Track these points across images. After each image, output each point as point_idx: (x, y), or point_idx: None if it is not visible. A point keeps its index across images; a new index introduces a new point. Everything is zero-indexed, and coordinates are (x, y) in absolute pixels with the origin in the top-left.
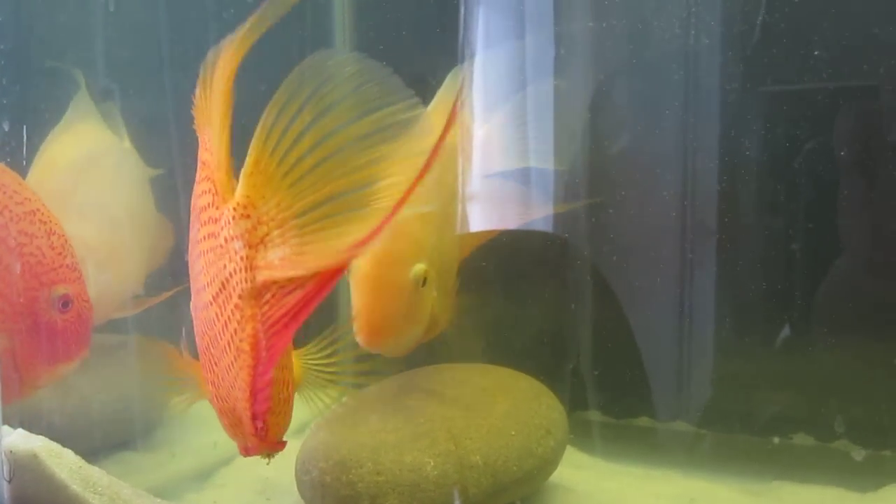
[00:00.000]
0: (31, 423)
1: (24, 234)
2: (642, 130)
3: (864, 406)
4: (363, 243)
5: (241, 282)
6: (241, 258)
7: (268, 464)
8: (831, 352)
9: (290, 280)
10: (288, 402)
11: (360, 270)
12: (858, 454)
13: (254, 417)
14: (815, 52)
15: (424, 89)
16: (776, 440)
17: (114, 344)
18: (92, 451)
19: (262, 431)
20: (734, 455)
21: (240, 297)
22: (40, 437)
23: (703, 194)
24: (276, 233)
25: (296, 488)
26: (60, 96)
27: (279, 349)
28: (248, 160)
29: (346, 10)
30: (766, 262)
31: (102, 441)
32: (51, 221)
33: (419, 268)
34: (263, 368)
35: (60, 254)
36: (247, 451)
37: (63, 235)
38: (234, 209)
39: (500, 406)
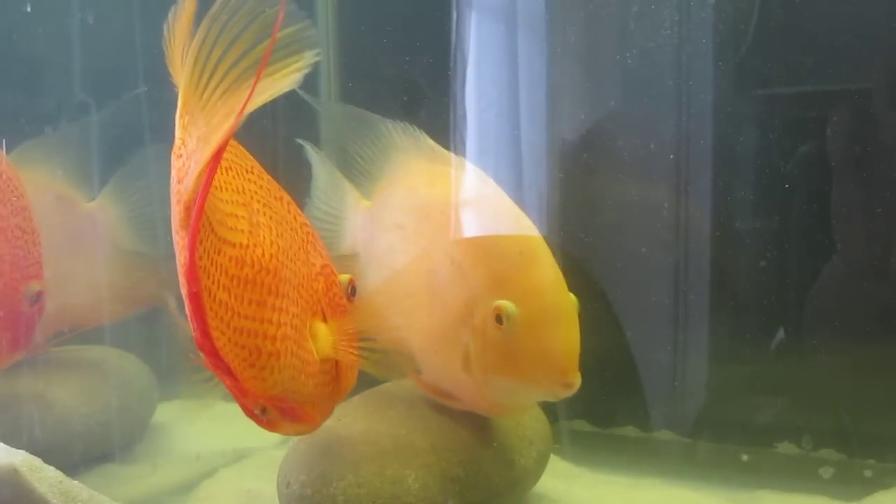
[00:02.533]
0: (12, 437)
1: (18, 229)
2: (633, 134)
3: (848, 414)
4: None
5: (176, 216)
6: (175, 193)
7: (262, 421)
8: (821, 358)
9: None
10: (276, 357)
11: (535, 301)
12: (826, 472)
13: (199, 348)
14: (808, 56)
15: (414, 91)
16: (743, 453)
17: (95, 357)
18: (73, 464)
19: (223, 371)
20: (720, 464)
21: (176, 232)
22: (21, 451)
23: (694, 198)
24: (191, 161)
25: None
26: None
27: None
28: (179, 105)
29: (329, 8)
30: (756, 269)
31: (84, 454)
32: (32, 219)
33: (576, 300)
34: (190, 289)
35: (38, 250)
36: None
37: (38, 233)
38: (173, 153)
39: (482, 417)
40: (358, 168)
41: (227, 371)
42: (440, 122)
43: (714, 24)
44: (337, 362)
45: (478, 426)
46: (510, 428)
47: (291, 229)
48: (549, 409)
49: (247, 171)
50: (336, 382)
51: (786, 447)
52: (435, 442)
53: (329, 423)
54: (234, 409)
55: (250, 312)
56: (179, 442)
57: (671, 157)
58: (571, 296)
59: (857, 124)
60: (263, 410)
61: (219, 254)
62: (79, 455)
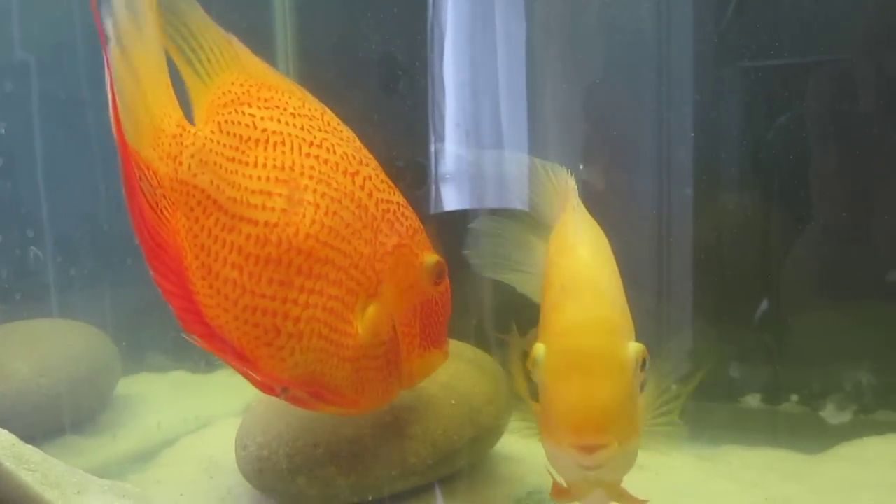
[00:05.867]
0: None
1: None
2: (615, 105)
3: (809, 368)
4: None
5: None
6: None
7: (282, 398)
8: (791, 316)
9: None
10: (297, 339)
11: (558, 342)
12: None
13: (182, 324)
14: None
15: (393, 66)
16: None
17: (55, 329)
18: (32, 435)
19: (219, 347)
20: (686, 420)
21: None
22: None
23: (677, 166)
24: None
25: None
26: None
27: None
28: None
29: None
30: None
31: (43, 425)
32: None
33: (639, 347)
34: (154, 266)
35: None
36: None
37: None
38: None
39: (440, 376)
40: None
41: (228, 346)
42: (418, 97)
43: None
44: (396, 345)
45: (436, 385)
46: (469, 387)
47: (358, 207)
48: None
49: (311, 144)
50: (392, 366)
51: (750, 401)
52: (392, 401)
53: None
54: (198, 379)
55: (269, 292)
56: (143, 413)
57: (651, 129)
58: (632, 344)
59: (835, 94)
60: (284, 390)
61: (230, 231)
62: (38, 426)
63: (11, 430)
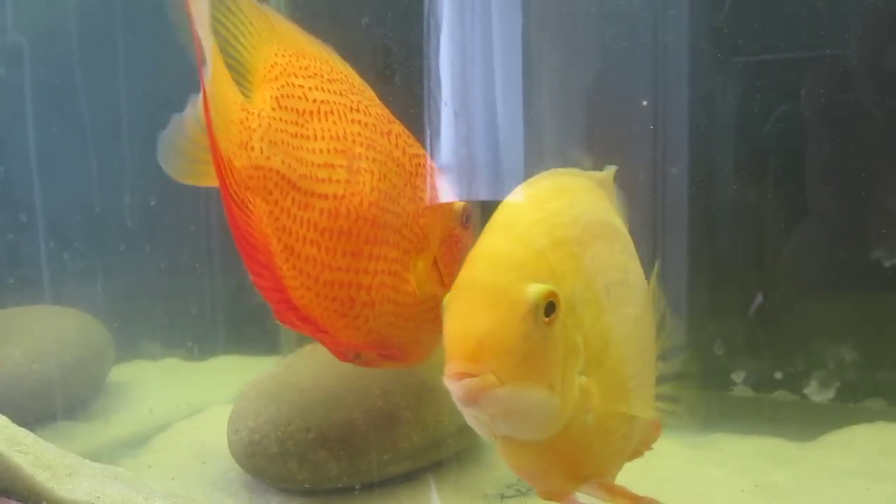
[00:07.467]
0: None
1: None
2: (612, 96)
3: (794, 355)
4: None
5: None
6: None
7: (356, 364)
8: (788, 308)
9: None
10: (370, 307)
11: (458, 278)
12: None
13: (277, 317)
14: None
15: (387, 58)
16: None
17: (49, 315)
18: (25, 421)
19: (307, 326)
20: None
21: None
22: None
23: (673, 157)
24: None
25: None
26: None
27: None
28: None
29: None
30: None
31: (37, 411)
32: None
33: (541, 287)
34: (248, 257)
35: None
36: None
37: None
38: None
39: (432, 360)
40: None
41: (314, 325)
42: (414, 90)
43: None
44: (443, 295)
45: (428, 369)
46: None
47: (398, 165)
48: None
49: (351, 109)
50: (440, 316)
51: (741, 390)
52: (385, 386)
53: (278, 370)
54: (191, 367)
55: (344, 264)
56: (135, 399)
57: (649, 124)
58: (533, 285)
59: (831, 88)
60: (357, 355)
61: (305, 209)
62: (31, 412)
63: (4, 415)
